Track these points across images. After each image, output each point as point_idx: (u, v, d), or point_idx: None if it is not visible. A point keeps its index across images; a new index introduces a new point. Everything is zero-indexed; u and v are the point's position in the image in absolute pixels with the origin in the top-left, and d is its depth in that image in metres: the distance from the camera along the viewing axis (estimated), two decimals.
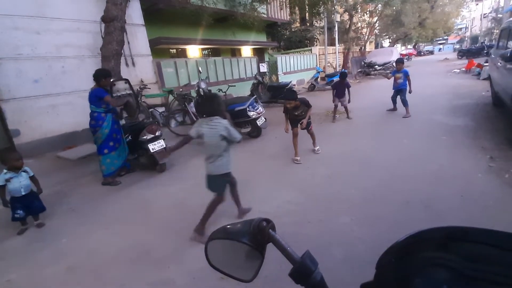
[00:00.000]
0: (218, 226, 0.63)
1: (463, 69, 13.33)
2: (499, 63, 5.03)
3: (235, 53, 14.28)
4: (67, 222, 3.19)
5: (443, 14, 25.37)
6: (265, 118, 5.81)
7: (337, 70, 15.10)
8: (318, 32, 18.56)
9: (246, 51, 14.69)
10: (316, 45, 18.43)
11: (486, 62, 9.70)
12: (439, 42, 49.48)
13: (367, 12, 19.78)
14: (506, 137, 4.20)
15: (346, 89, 6.40)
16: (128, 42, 6.86)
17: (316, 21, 17.34)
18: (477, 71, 11.11)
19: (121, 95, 4.70)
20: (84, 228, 3.02)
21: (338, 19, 16.18)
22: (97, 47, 5.90)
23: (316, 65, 16.87)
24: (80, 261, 2.47)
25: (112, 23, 5.50)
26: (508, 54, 4.06)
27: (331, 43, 17.86)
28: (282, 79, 13.26)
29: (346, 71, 6.86)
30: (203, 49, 12.72)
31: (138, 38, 7.47)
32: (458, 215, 2.48)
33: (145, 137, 4.19)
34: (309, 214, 2.82)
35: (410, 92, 6.34)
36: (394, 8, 18.73)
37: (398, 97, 6.43)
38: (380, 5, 17.22)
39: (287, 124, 4.31)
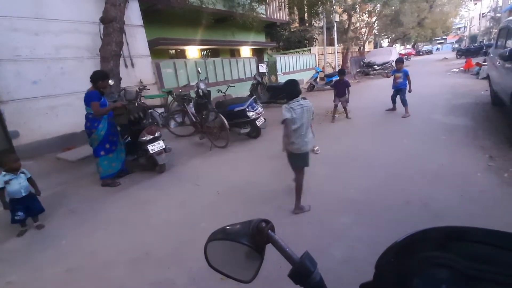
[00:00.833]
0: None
1: (462, 68, 13.36)
2: (497, 63, 5.04)
3: (234, 53, 14.28)
4: (67, 224, 3.19)
5: (441, 13, 25.41)
6: (264, 119, 5.81)
7: (336, 70, 15.10)
8: (317, 32, 18.58)
9: (245, 51, 14.69)
10: (315, 45, 18.44)
11: (485, 61, 9.71)
12: (438, 41, 49.54)
13: (366, 12, 19.80)
14: (505, 136, 4.21)
15: (346, 88, 6.37)
16: (127, 43, 6.86)
17: (315, 21, 17.35)
18: (476, 70, 11.13)
19: (115, 100, 4.64)
20: (84, 229, 3.02)
21: (337, 19, 16.18)
22: (96, 48, 5.90)
23: (315, 65, 16.88)
24: (80, 262, 2.47)
25: (111, 24, 5.50)
26: (507, 53, 4.06)
27: (330, 43, 17.88)
28: (282, 79, 13.27)
29: (344, 69, 6.85)
30: (202, 50, 12.71)
31: (137, 39, 7.47)
32: (458, 215, 2.48)
33: (144, 138, 4.19)
34: (308, 214, 2.82)
35: (410, 91, 6.34)
36: (393, 8, 18.72)
37: (398, 96, 6.43)
38: (379, 5, 17.23)
39: None
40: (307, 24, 18.94)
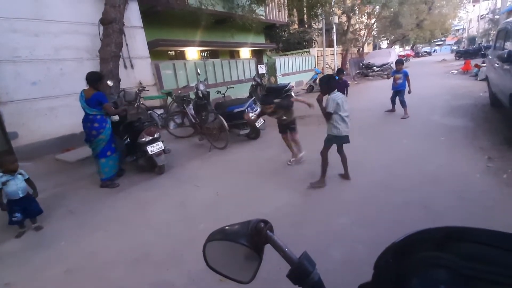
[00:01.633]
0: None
1: (461, 70, 13.40)
2: (496, 64, 5.05)
3: (234, 55, 14.30)
4: (66, 225, 3.18)
5: (440, 15, 25.52)
6: (263, 120, 5.81)
7: (335, 71, 15.12)
8: (316, 33, 18.62)
9: (245, 52, 14.71)
10: (315, 47, 18.46)
11: (483, 63, 9.75)
12: (436, 43, 49.67)
13: (365, 14, 19.86)
14: (504, 137, 4.22)
15: (345, 88, 6.36)
16: (127, 44, 6.86)
17: (314, 23, 17.41)
18: (475, 71, 11.16)
19: (114, 101, 4.63)
20: (83, 230, 3.01)
21: (336, 21, 16.22)
22: (95, 49, 5.90)
23: (315, 67, 16.91)
24: (79, 263, 2.46)
25: (111, 25, 5.51)
26: (505, 55, 4.08)
27: (329, 44, 17.89)
28: (281, 80, 13.28)
29: (342, 69, 6.86)
30: (201, 51, 12.72)
31: (136, 40, 7.47)
32: (457, 215, 2.49)
33: (143, 139, 4.18)
34: (307, 215, 2.82)
35: (409, 92, 6.36)
36: (392, 9, 18.81)
37: (397, 98, 6.45)
38: (378, 6, 17.31)
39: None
40: (306, 26, 18.99)
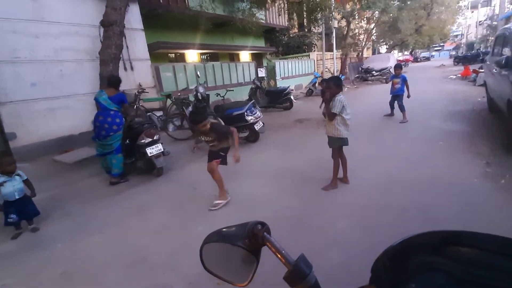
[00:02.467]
0: None
1: (459, 75, 13.48)
2: (494, 70, 5.09)
3: (234, 58, 14.35)
4: (63, 227, 3.16)
5: (439, 21, 25.69)
6: (263, 123, 5.82)
7: (335, 75, 15.19)
8: (316, 37, 18.71)
9: (245, 56, 14.77)
10: (314, 51, 18.56)
11: (482, 68, 9.81)
12: (435, 48, 50.03)
13: (365, 19, 20.00)
14: (501, 142, 4.23)
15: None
16: (127, 47, 6.88)
17: (314, 27, 17.50)
18: (473, 77, 11.23)
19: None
20: (80, 232, 2.99)
21: (336, 25, 16.33)
22: (95, 51, 5.91)
23: (314, 71, 16.98)
24: (75, 266, 2.44)
25: (111, 28, 5.52)
26: (503, 61, 4.11)
27: (329, 48, 17.99)
28: (280, 84, 13.33)
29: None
30: (201, 54, 12.77)
31: (137, 43, 7.50)
32: (455, 220, 2.48)
33: (143, 140, 4.18)
34: (305, 219, 2.81)
35: (408, 97, 6.39)
36: (391, 15, 18.95)
37: (396, 102, 6.47)
38: (377, 12, 17.44)
39: (194, 145, 3.47)
40: (306, 30, 19.09)
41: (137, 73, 7.52)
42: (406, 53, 39.19)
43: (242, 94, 10.57)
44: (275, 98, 9.24)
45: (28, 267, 2.49)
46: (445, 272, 0.54)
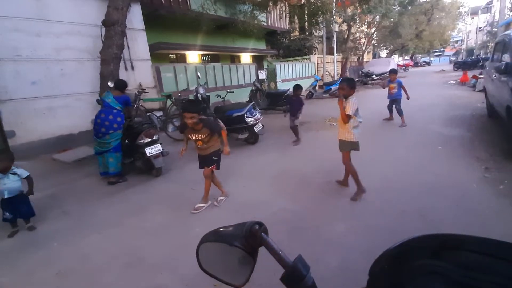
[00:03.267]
0: None
1: (459, 80, 13.53)
2: (494, 76, 5.10)
3: (235, 59, 14.39)
4: (59, 226, 3.14)
5: (439, 26, 25.87)
6: (262, 125, 5.82)
7: (335, 79, 15.24)
8: (316, 41, 18.79)
9: (245, 58, 14.80)
10: (315, 54, 18.63)
11: (481, 74, 9.85)
12: (435, 54, 50.27)
13: (365, 23, 20.09)
14: (500, 148, 4.24)
15: (300, 107, 5.57)
16: (128, 47, 6.90)
17: (315, 31, 17.58)
18: (472, 82, 11.27)
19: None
20: (77, 232, 2.98)
21: (337, 29, 16.39)
22: (96, 50, 5.92)
23: (315, 74, 17.03)
24: (71, 266, 2.43)
25: (113, 27, 5.54)
26: (503, 67, 4.12)
27: (330, 52, 18.07)
28: (281, 86, 13.36)
29: (299, 84, 5.78)
30: (202, 55, 12.80)
31: (138, 43, 7.51)
32: (454, 225, 2.48)
33: (142, 140, 4.17)
34: (304, 222, 2.80)
35: (408, 98, 6.43)
36: (392, 19, 19.04)
37: (394, 106, 6.50)
38: (378, 16, 17.52)
39: (184, 147, 3.22)
40: (307, 33, 19.16)
41: (138, 73, 7.53)
42: (406, 57, 39.37)
43: (242, 96, 10.59)
44: (275, 100, 9.25)
45: (23, 266, 2.47)
46: (444, 276, 0.53)
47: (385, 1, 13.44)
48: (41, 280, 2.27)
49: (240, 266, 0.58)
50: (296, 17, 16.65)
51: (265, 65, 15.57)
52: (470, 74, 12.86)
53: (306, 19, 14.97)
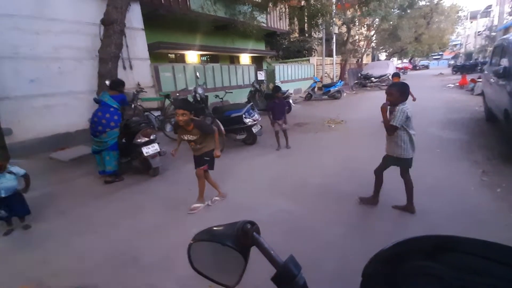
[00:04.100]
0: None
1: (457, 84, 13.60)
2: (492, 80, 5.12)
3: (234, 60, 14.40)
4: (55, 225, 3.12)
5: (438, 30, 26.00)
6: (260, 126, 5.81)
7: (334, 81, 15.28)
8: (316, 43, 18.84)
9: (245, 58, 14.82)
10: (314, 56, 18.67)
11: (480, 78, 9.89)
12: (434, 57, 50.54)
13: (365, 26, 20.19)
14: (498, 152, 4.24)
15: (285, 109, 5.37)
16: (127, 46, 6.88)
17: (315, 32, 17.63)
18: (471, 86, 11.32)
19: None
20: (72, 231, 2.95)
21: (336, 31, 16.47)
22: (95, 49, 5.90)
23: (314, 75, 17.07)
24: (66, 265, 2.40)
25: (112, 26, 5.53)
26: (501, 71, 4.14)
27: (329, 54, 18.12)
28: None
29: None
30: (201, 55, 12.80)
31: (137, 42, 7.50)
32: (451, 228, 2.47)
33: (139, 140, 4.16)
34: (301, 223, 2.79)
35: (414, 100, 6.34)
36: (391, 22, 19.16)
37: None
38: (377, 19, 17.60)
39: (177, 147, 3.19)
40: (306, 35, 19.22)
41: (136, 73, 7.51)
42: (405, 60, 39.54)
43: (241, 97, 10.58)
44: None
45: (18, 264, 2.45)
46: (438, 278, 0.53)
47: (384, 4, 13.50)
48: (35, 279, 2.25)
49: (232, 266, 0.57)
50: (295, 19, 16.70)
51: (264, 66, 15.58)
52: (468, 77, 12.91)
53: (305, 20, 15.01)
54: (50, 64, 5.92)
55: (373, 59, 30.29)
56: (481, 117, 6.60)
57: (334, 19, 14.40)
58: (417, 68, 40.33)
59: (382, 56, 33.67)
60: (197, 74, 7.93)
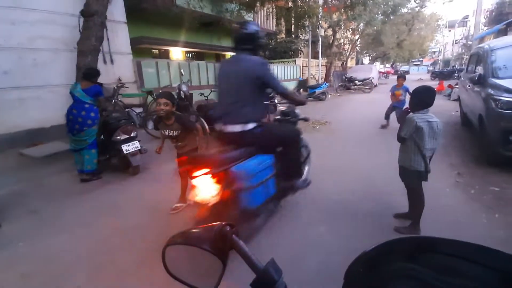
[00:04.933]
0: None
1: (435, 89, 14.14)
2: (468, 86, 5.35)
3: (220, 58, 14.27)
4: (26, 225, 2.95)
5: (419, 37, 26.98)
6: None
7: (319, 82, 15.48)
8: (302, 44, 19.03)
9: None
10: (300, 57, 18.84)
11: (457, 84, 10.34)
12: (414, 63, 52.39)
13: (350, 30, 20.59)
14: (472, 155, 4.44)
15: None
16: (108, 39, 6.63)
17: (301, 34, 17.80)
18: (448, 92, 11.80)
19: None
20: (44, 231, 2.80)
21: (322, 34, 16.68)
22: (73, 41, 5.65)
23: (299, 76, 17.24)
24: (36, 267, 2.27)
25: (92, 18, 5.31)
26: (476, 78, 4.33)
27: (315, 56, 18.34)
28: None
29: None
30: (187, 52, 12.60)
31: (118, 36, 7.24)
32: (426, 228, 2.54)
33: (119, 137, 4.01)
34: (284, 223, 2.78)
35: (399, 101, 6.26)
36: (375, 28, 19.67)
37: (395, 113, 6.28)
38: (362, 23, 18.02)
39: (161, 144, 3.13)
40: (293, 36, 19.36)
41: (117, 67, 7.25)
42: (387, 65, 40.73)
43: None
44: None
45: None
46: (420, 280, 0.52)
47: (369, 9, 13.82)
48: (3, 282, 2.11)
49: (209, 270, 0.54)
50: (282, 19, 16.78)
51: None
52: (446, 83, 13.46)
53: (292, 22, 15.12)
54: (24, 55, 5.59)
55: (357, 63, 31.02)
56: (457, 121, 6.88)
57: (320, 22, 14.58)
58: (399, 73, 41.61)
59: (366, 60, 34.55)
60: (182, 71, 7.79)
